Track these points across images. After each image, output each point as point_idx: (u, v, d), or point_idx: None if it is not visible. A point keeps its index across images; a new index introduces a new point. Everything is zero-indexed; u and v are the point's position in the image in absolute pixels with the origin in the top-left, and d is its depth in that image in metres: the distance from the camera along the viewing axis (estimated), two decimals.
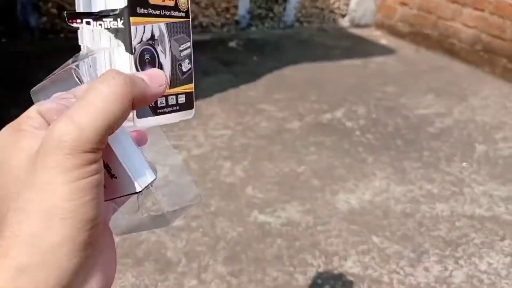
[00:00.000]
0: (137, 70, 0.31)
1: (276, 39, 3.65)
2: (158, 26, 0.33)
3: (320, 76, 3.01)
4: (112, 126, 0.28)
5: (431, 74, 3.24)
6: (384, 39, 3.91)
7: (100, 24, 0.31)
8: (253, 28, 3.77)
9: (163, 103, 0.34)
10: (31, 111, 0.30)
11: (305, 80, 2.93)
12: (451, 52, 3.54)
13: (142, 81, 0.30)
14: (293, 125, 2.36)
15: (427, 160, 2.17)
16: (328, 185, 1.91)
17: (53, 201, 0.26)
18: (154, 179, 0.32)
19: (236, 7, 3.61)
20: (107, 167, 0.30)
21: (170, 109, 0.34)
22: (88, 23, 0.31)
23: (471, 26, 3.39)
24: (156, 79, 0.31)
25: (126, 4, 0.30)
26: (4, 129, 0.30)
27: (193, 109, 0.37)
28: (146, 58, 0.32)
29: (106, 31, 0.31)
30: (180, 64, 0.35)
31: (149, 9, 0.32)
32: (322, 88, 2.83)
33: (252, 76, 2.88)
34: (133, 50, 0.31)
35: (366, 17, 4.13)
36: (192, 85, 0.36)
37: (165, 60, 0.34)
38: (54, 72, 0.32)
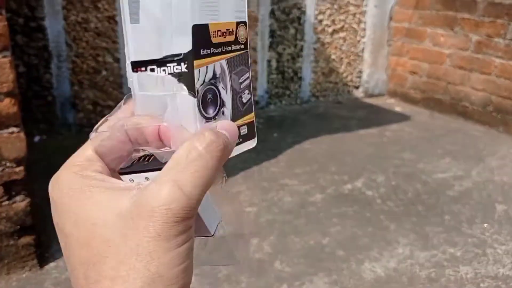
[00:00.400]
0: (200, 112, 0.31)
1: (294, 114, 3.84)
2: (220, 64, 0.32)
3: (339, 148, 3.15)
4: (208, 189, 0.28)
5: (447, 138, 3.34)
6: (398, 107, 4.07)
7: (164, 70, 0.30)
8: (272, 106, 3.99)
9: None
10: (88, 152, 0.30)
11: (324, 152, 3.07)
12: (465, 114, 3.66)
13: (228, 140, 0.30)
14: (316, 198, 2.47)
15: (449, 223, 2.23)
16: (353, 255, 1.99)
17: (158, 269, 0.26)
18: (220, 221, 0.36)
19: (254, 88, 3.86)
20: None
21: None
22: (152, 70, 0.30)
23: (480, 89, 3.53)
24: (233, 134, 0.31)
25: (191, 48, 0.30)
26: (64, 172, 0.29)
27: (255, 138, 0.36)
28: (208, 99, 0.31)
29: (169, 76, 0.30)
30: (241, 96, 0.35)
31: (211, 48, 0.31)
32: (341, 159, 2.95)
33: (273, 152, 3.04)
34: (196, 93, 0.30)
35: (378, 87, 4.33)
36: (252, 114, 0.36)
37: (227, 96, 0.33)
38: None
